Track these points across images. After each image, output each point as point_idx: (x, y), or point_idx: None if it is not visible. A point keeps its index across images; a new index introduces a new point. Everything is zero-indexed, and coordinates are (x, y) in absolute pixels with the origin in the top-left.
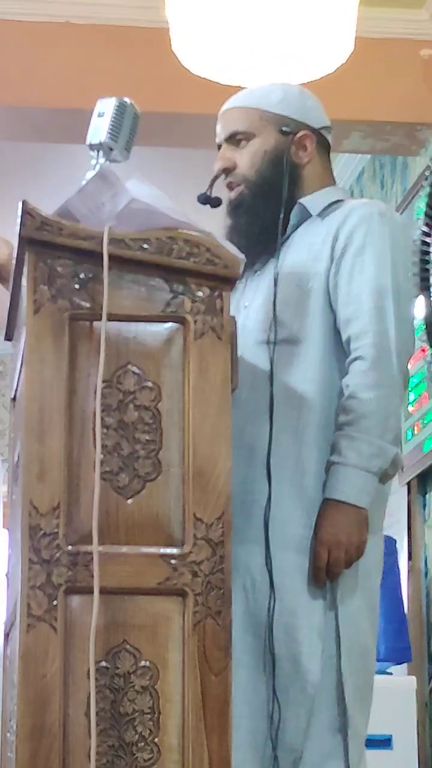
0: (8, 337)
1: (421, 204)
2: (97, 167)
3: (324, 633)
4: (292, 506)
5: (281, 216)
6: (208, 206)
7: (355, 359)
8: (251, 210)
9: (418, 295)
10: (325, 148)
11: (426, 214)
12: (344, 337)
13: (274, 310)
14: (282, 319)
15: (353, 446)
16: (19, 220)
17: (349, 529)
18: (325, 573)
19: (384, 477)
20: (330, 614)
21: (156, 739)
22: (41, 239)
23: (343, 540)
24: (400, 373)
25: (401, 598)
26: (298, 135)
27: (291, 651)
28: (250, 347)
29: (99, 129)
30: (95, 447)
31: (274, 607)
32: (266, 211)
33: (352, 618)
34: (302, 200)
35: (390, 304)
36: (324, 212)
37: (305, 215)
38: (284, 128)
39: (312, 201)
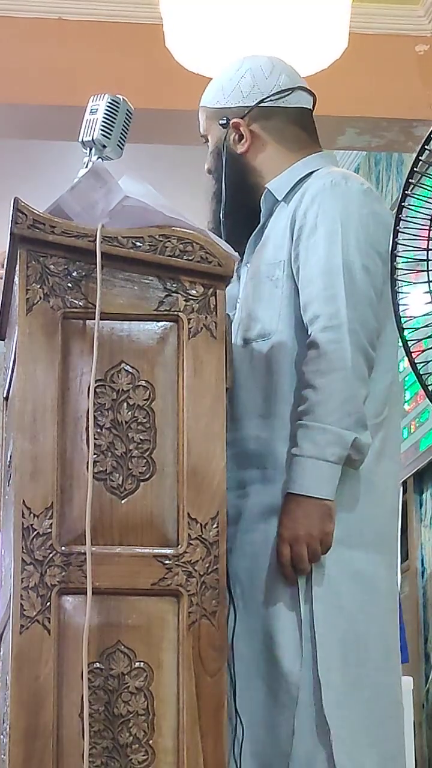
0: (0, 336)
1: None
2: (90, 165)
3: (304, 630)
4: (265, 503)
5: (221, 213)
6: (201, 204)
7: (309, 346)
8: (214, 208)
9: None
10: (282, 118)
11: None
12: (305, 323)
13: (234, 309)
14: (257, 314)
15: (308, 436)
16: (11, 217)
17: (308, 523)
18: (293, 569)
19: (349, 463)
20: (306, 608)
21: (150, 741)
22: (33, 237)
23: (302, 534)
24: (359, 352)
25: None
26: (231, 124)
27: (273, 654)
28: (235, 346)
29: (91, 126)
30: (88, 446)
31: (236, 614)
32: (223, 209)
33: (335, 607)
34: (269, 185)
35: (340, 283)
36: (289, 194)
37: (275, 200)
38: (221, 121)
39: (277, 184)
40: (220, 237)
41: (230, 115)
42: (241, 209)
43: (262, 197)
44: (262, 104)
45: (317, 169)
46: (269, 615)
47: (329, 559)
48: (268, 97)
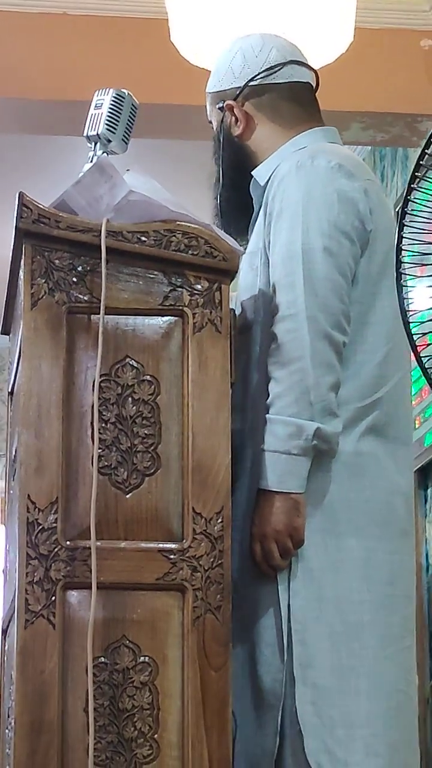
0: (5, 330)
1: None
2: (95, 159)
3: (284, 626)
4: (245, 500)
5: (218, 199)
6: (206, 199)
7: (270, 337)
8: (215, 193)
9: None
10: (275, 95)
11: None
12: None
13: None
14: (243, 305)
15: (270, 430)
16: (16, 212)
17: (273, 519)
18: (268, 566)
19: (319, 453)
20: (286, 604)
21: (155, 736)
22: (38, 232)
23: (268, 531)
24: (320, 338)
25: None
26: (225, 106)
27: (260, 652)
28: None
29: (96, 120)
30: (93, 441)
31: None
32: (221, 193)
33: (316, 600)
34: (254, 172)
35: (299, 270)
36: (269, 180)
37: (260, 186)
38: (218, 105)
39: (260, 170)
40: (221, 221)
41: (225, 98)
42: (239, 194)
43: (251, 184)
44: (252, 83)
45: (300, 149)
46: (255, 613)
47: (311, 550)
48: (257, 74)
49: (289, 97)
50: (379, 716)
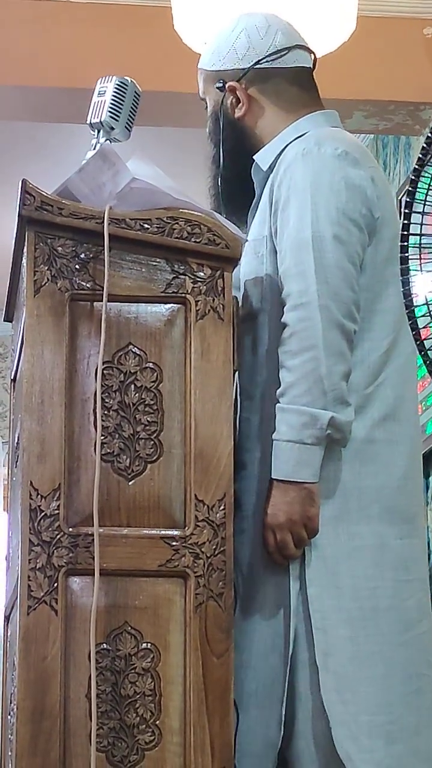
0: (8, 317)
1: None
2: (98, 146)
3: (296, 615)
4: (255, 489)
5: (219, 182)
6: (208, 187)
7: (282, 326)
8: (213, 173)
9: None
10: (280, 79)
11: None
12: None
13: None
14: (247, 292)
15: (284, 419)
16: (19, 199)
17: (288, 508)
18: (281, 555)
19: (332, 442)
20: (299, 593)
21: (157, 722)
22: (41, 219)
23: (283, 520)
24: (332, 327)
25: None
26: (227, 87)
27: (267, 642)
28: None
29: (100, 108)
30: (96, 428)
31: (236, 600)
32: (220, 175)
33: (333, 588)
34: (256, 156)
35: (309, 258)
36: (273, 164)
37: (263, 171)
38: (217, 85)
39: (263, 155)
40: (220, 203)
41: (226, 78)
42: (240, 177)
43: (252, 169)
44: (257, 66)
45: (303, 134)
46: (264, 602)
47: (325, 538)
48: (263, 58)
49: (293, 81)
50: (396, 702)
